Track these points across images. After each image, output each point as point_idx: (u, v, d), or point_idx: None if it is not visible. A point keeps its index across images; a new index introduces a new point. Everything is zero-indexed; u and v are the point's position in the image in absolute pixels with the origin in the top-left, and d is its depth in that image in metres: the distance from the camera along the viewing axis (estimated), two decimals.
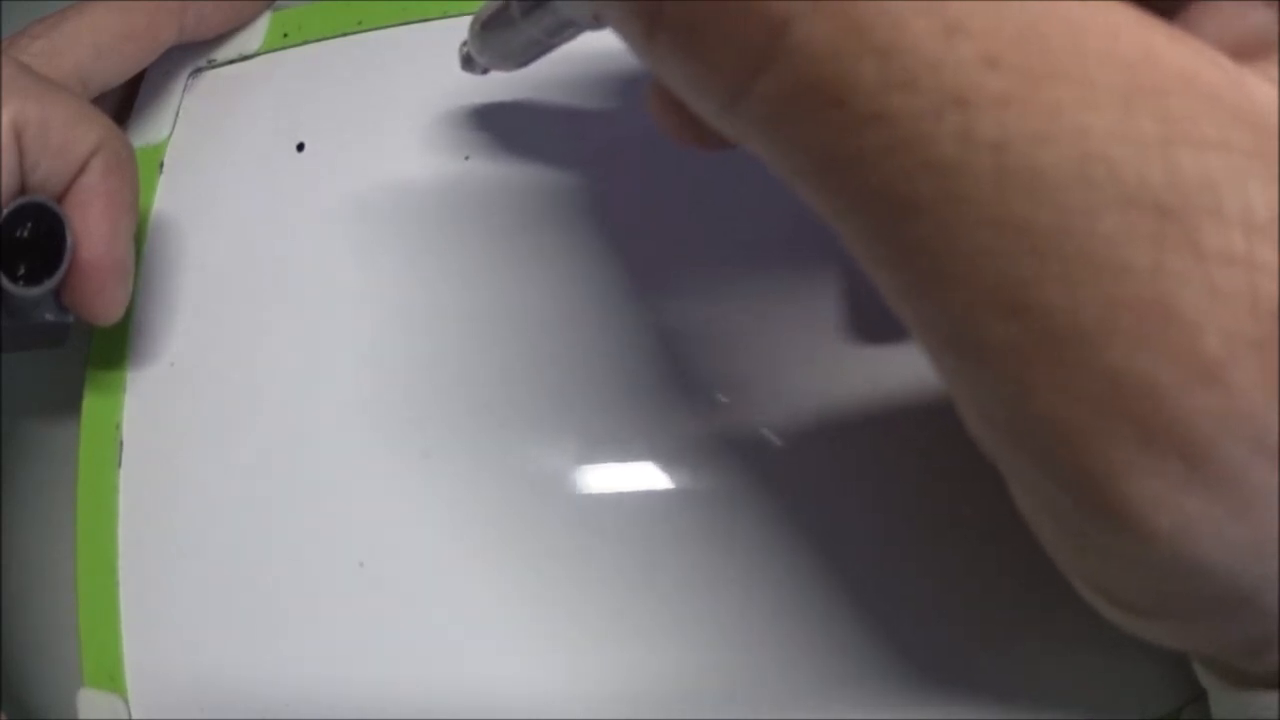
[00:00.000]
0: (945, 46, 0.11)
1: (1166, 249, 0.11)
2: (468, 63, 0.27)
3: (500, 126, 0.30)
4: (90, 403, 0.31)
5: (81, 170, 0.26)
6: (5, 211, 0.25)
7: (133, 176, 0.27)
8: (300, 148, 0.31)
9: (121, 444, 0.30)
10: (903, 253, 0.13)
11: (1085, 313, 0.12)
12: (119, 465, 0.30)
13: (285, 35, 0.33)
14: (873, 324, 0.26)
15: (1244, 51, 0.13)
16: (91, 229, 0.26)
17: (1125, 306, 0.12)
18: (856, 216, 0.13)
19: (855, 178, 0.12)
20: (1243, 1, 0.14)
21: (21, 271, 0.26)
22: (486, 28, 0.25)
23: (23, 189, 0.26)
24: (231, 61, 0.33)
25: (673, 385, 0.27)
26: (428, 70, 0.30)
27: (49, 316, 0.27)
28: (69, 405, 0.31)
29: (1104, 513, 0.13)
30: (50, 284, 0.26)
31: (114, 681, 0.28)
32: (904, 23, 0.11)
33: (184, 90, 0.33)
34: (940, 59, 0.11)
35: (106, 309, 0.27)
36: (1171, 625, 0.15)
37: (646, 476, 0.26)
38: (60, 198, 0.26)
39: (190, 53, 0.33)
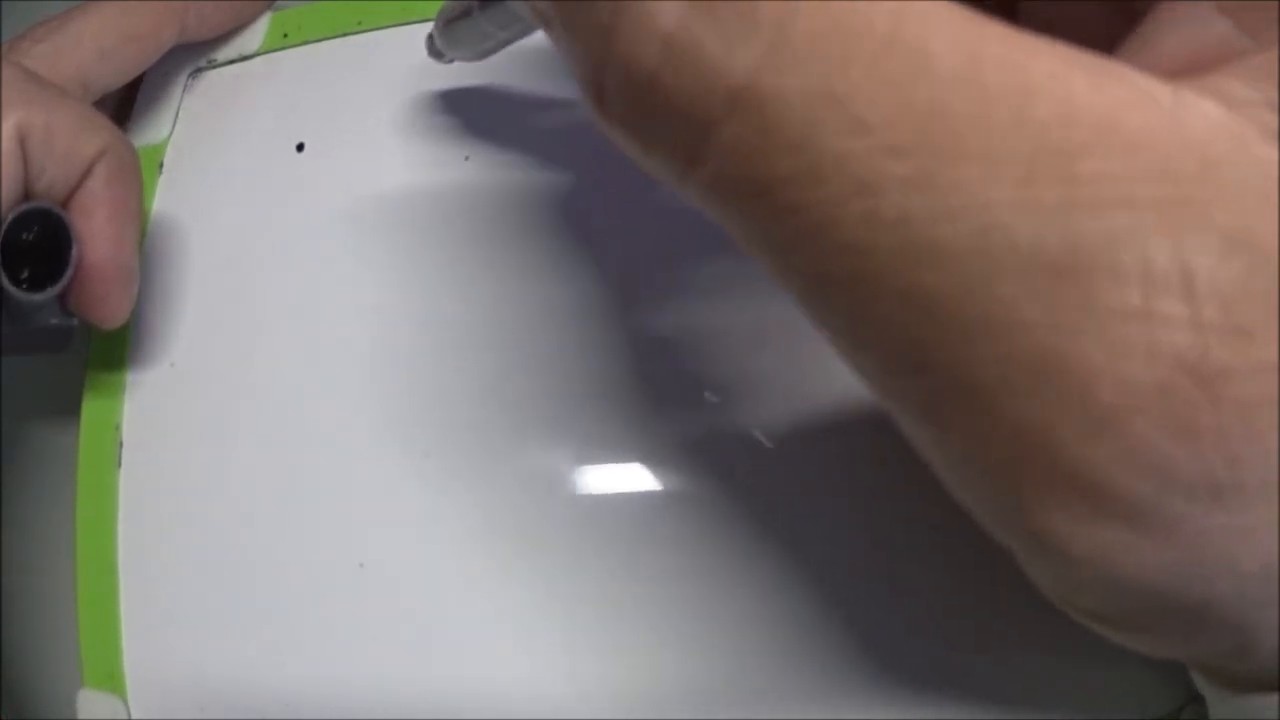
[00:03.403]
0: (851, 141, 0.12)
1: (1061, 308, 0.12)
2: (432, 50, 0.28)
3: (499, 127, 0.30)
4: (90, 404, 0.31)
5: (86, 176, 0.26)
6: (10, 217, 0.25)
7: (137, 182, 0.27)
8: (300, 148, 0.31)
9: (121, 445, 0.30)
10: (824, 320, 0.14)
11: (984, 370, 0.12)
12: (119, 466, 0.30)
13: (285, 35, 0.33)
14: None
15: (1202, 62, 0.13)
16: (96, 234, 0.26)
17: (1020, 363, 0.12)
18: (787, 287, 0.14)
19: (781, 258, 0.13)
20: (1205, 5, 0.14)
21: (25, 276, 0.26)
22: (448, 17, 0.26)
23: (27, 195, 0.26)
24: (231, 61, 0.33)
25: (668, 387, 0.27)
26: (428, 70, 0.30)
27: (53, 321, 0.27)
28: (69, 406, 0.31)
29: (1027, 540, 0.14)
30: (55, 289, 0.26)
31: (113, 682, 0.28)
32: (813, 122, 0.12)
33: (184, 90, 0.33)
34: (847, 152, 0.12)
35: (111, 314, 0.27)
36: (1142, 636, 0.15)
37: (645, 477, 0.27)
38: (65, 203, 0.26)
39: (190, 53, 0.32)
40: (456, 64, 0.28)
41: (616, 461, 0.27)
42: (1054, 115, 0.12)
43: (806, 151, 0.12)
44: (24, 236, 0.25)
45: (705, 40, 0.12)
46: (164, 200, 0.32)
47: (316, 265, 0.30)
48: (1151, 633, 0.15)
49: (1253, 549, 0.13)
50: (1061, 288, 0.12)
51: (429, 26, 0.31)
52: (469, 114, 0.30)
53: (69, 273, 0.26)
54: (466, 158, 0.30)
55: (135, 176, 0.27)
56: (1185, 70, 0.13)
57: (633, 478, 0.27)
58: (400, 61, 0.31)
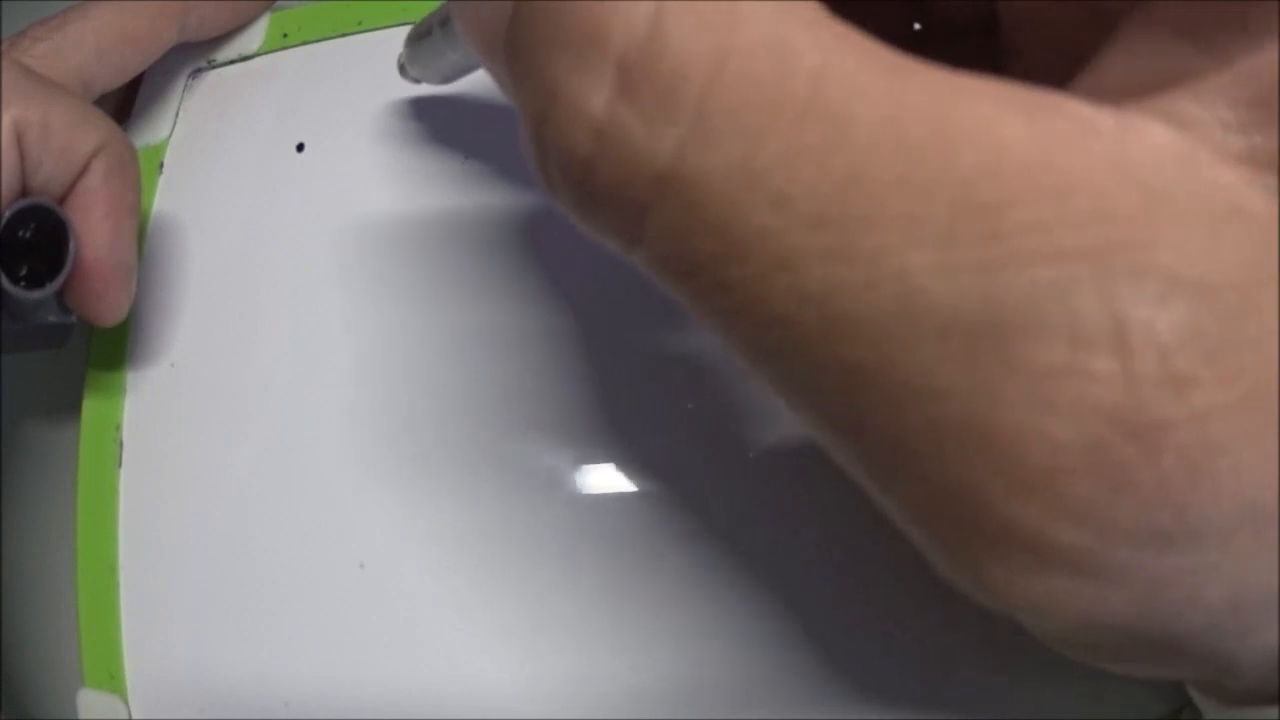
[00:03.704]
0: (772, 215, 0.12)
1: (981, 370, 0.11)
2: (402, 70, 0.28)
3: (499, 128, 0.30)
4: (90, 404, 0.31)
5: (83, 172, 0.26)
6: (7, 214, 0.25)
7: (135, 178, 0.27)
8: (300, 148, 0.31)
9: (121, 445, 0.30)
10: (769, 387, 0.14)
11: (913, 436, 0.12)
12: (119, 466, 0.30)
13: (285, 36, 0.33)
14: None
15: (1159, 83, 0.13)
16: (94, 231, 0.26)
17: (945, 429, 0.12)
18: (736, 357, 0.14)
19: (720, 331, 0.13)
20: (1163, 25, 0.13)
21: (23, 273, 0.26)
22: (415, 39, 0.26)
23: (24, 191, 0.26)
24: (231, 62, 0.33)
25: (665, 393, 0.27)
26: None
27: (51, 318, 0.27)
28: (69, 406, 0.31)
29: (973, 585, 0.13)
30: (53, 287, 0.26)
31: (114, 682, 0.28)
32: (734, 200, 0.12)
33: (184, 91, 0.33)
34: (767, 228, 0.12)
35: (110, 311, 0.27)
36: (1118, 664, 0.15)
37: (645, 480, 0.27)
38: (62, 199, 0.26)
39: (190, 53, 0.33)
40: None
41: (616, 464, 0.27)
42: (979, 168, 0.11)
43: (729, 230, 0.12)
44: (21, 234, 0.26)
45: (632, 126, 0.12)
46: (164, 201, 0.32)
47: (317, 266, 0.30)
48: (1126, 662, 0.14)
49: (1217, 585, 0.12)
50: (979, 350, 0.11)
51: None
52: (469, 115, 0.30)
53: (66, 269, 0.26)
54: (466, 158, 0.30)
55: (133, 172, 0.27)
56: (1140, 92, 0.13)
57: (632, 481, 0.27)
58: None
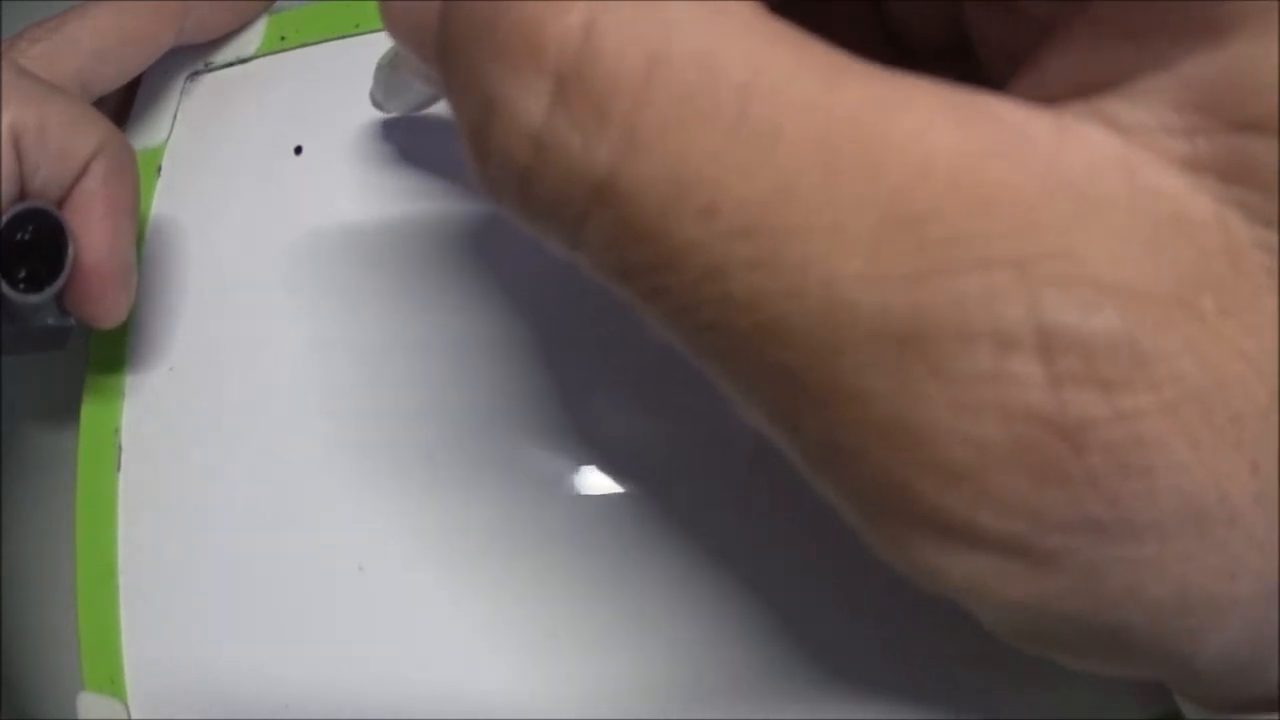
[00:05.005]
0: (701, 226, 0.12)
1: (905, 376, 0.12)
2: (374, 101, 0.28)
3: None
4: (89, 407, 0.31)
5: (82, 174, 0.26)
6: (5, 217, 0.25)
7: (133, 180, 0.27)
8: (298, 151, 0.31)
9: (120, 448, 0.30)
10: (718, 385, 0.14)
11: (843, 433, 0.12)
12: (118, 469, 0.30)
13: (283, 38, 0.33)
14: None
15: (1101, 85, 0.13)
16: (92, 233, 0.26)
17: (872, 428, 0.12)
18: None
19: (662, 331, 0.14)
20: (1106, 26, 0.13)
21: (22, 276, 0.26)
22: (383, 67, 0.26)
23: (22, 194, 0.26)
24: (229, 64, 0.33)
25: (663, 394, 0.27)
26: None
27: (50, 321, 0.27)
28: (68, 410, 0.31)
29: (907, 568, 0.13)
30: (52, 290, 0.26)
31: (114, 685, 0.28)
32: (664, 212, 0.12)
33: (182, 93, 0.33)
34: (697, 238, 0.12)
35: (109, 313, 0.27)
36: (1070, 658, 0.15)
37: (643, 480, 0.27)
38: (61, 202, 0.26)
39: (188, 56, 0.33)
40: None
41: (614, 465, 0.27)
42: (906, 180, 0.12)
43: (661, 240, 0.12)
44: (20, 236, 0.25)
45: (567, 137, 0.12)
46: (162, 204, 0.32)
47: (316, 268, 0.30)
48: (1078, 654, 0.14)
49: (1160, 580, 0.12)
50: (905, 356, 0.12)
51: None
52: None
53: (65, 272, 0.26)
54: (465, 160, 0.30)
55: (132, 174, 0.27)
56: (1084, 91, 0.13)
57: (630, 481, 0.27)
58: None
